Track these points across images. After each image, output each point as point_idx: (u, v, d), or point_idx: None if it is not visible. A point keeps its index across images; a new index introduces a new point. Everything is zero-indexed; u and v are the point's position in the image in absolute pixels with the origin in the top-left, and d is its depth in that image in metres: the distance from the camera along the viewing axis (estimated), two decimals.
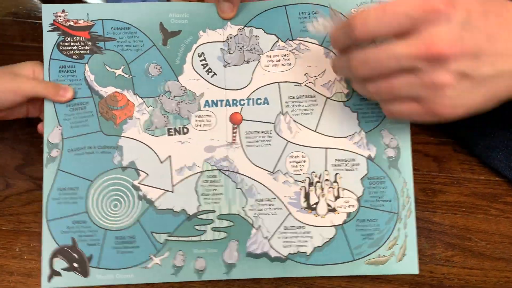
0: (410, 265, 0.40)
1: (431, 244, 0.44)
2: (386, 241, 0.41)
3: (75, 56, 0.42)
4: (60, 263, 0.41)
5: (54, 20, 0.42)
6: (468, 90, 0.31)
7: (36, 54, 0.42)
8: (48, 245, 0.41)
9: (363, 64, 0.33)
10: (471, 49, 0.30)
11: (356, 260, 0.41)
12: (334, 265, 0.41)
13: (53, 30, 0.42)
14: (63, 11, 0.42)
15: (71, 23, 0.42)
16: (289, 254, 0.41)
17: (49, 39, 0.42)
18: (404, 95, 0.33)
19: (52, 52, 0.42)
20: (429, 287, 0.42)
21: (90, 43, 0.42)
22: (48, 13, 0.42)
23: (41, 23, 0.42)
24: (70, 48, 0.42)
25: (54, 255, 0.41)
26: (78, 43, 0.42)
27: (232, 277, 0.41)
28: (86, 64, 0.42)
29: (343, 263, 0.41)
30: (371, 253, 0.41)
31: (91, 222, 0.41)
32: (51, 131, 0.42)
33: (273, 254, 0.41)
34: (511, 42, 0.31)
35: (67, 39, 0.42)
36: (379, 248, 0.41)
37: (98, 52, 0.42)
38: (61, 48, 0.42)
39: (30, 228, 0.44)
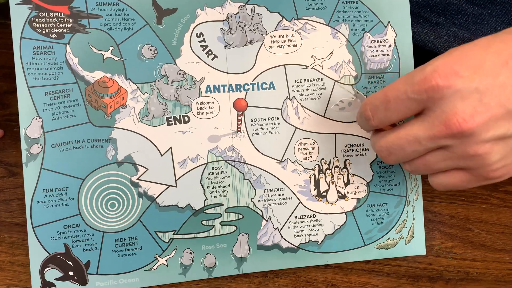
0: (418, 247, 0.41)
1: (430, 234, 0.43)
2: (395, 224, 0.41)
3: (53, 35, 0.36)
4: (52, 273, 0.36)
5: None
6: None
7: (9, 32, 0.35)
8: (36, 255, 0.36)
9: (388, 153, 0.31)
10: (495, 112, 0.28)
11: (367, 245, 0.41)
12: (345, 251, 0.41)
13: (23, 3, 0.36)
14: None
15: None
16: (301, 243, 0.40)
17: (19, 14, 0.36)
18: (445, 168, 0.31)
19: (23, 29, 0.36)
20: (428, 279, 0.42)
21: (71, 20, 0.36)
22: None
23: None
24: (46, 25, 0.36)
25: (45, 264, 0.36)
26: (56, 20, 0.36)
27: (243, 271, 0.39)
28: (67, 45, 0.36)
29: (354, 249, 0.41)
30: (381, 237, 0.41)
31: (85, 225, 0.37)
32: (29, 124, 0.36)
33: (284, 244, 0.40)
34: None
35: (41, 14, 0.36)
36: (388, 232, 0.41)
37: (81, 31, 0.36)
38: (34, 25, 0.36)
39: (0, 218, 0.40)
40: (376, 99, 0.31)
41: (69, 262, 0.36)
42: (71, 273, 0.36)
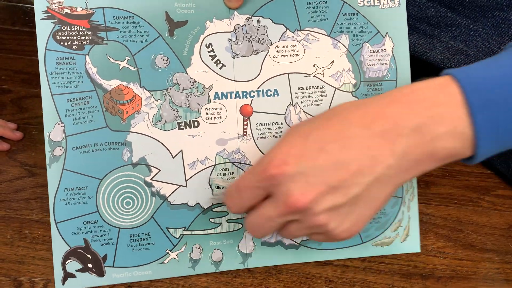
0: (413, 245, 0.44)
1: (423, 235, 0.46)
2: (391, 223, 0.43)
3: (74, 47, 0.39)
4: (73, 265, 0.39)
5: (48, 7, 0.39)
6: (350, 211, 0.34)
7: (27, 39, 0.39)
8: (59, 248, 0.39)
9: (254, 230, 0.36)
10: (320, 189, 0.32)
11: (364, 243, 0.43)
12: (344, 248, 0.43)
13: (47, 18, 0.39)
14: None
15: (68, 11, 0.39)
16: (302, 240, 0.43)
17: (44, 28, 0.39)
18: (306, 234, 0.36)
19: (47, 42, 0.39)
20: (420, 277, 0.44)
21: (90, 33, 0.39)
22: None
23: (33, 7, 0.38)
24: (68, 38, 0.39)
25: (67, 257, 0.39)
26: (77, 33, 0.39)
27: (248, 266, 0.42)
28: (87, 56, 0.39)
29: (353, 246, 0.43)
30: (377, 236, 0.43)
31: (103, 222, 0.40)
32: (52, 128, 0.39)
33: (287, 241, 0.43)
34: (350, 150, 0.33)
35: (64, 28, 0.39)
36: (385, 230, 0.43)
37: (99, 43, 0.40)
38: (57, 38, 0.39)
39: (22, 215, 0.43)
40: (231, 189, 0.36)
41: (88, 255, 0.39)
42: (90, 265, 0.40)
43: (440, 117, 0.32)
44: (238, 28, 0.41)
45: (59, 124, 0.39)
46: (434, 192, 0.48)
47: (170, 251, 0.41)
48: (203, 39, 0.41)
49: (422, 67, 0.47)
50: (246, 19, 0.41)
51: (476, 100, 0.32)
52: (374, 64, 0.43)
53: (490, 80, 0.32)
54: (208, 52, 0.41)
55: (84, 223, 0.40)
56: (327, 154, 0.33)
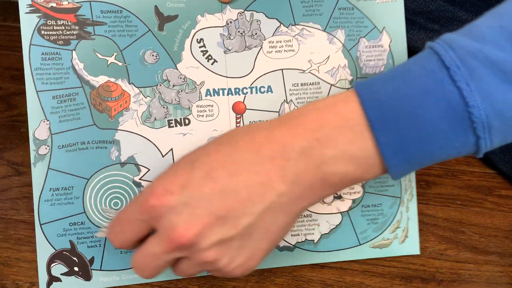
0: (412, 247, 0.42)
1: (424, 237, 0.44)
2: (389, 224, 0.42)
3: (60, 42, 0.38)
4: (59, 268, 0.38)
5: (32, 1, 0.37)
6: (243, 245, 0.31)
7: (18, 35, 0.37)
8: (43, 251, 0.38)
9: (140, 270, 0.33)
10: (207, 221, 0.30)
11: (362, 244, 0.42)
12: (340, 250, 0.42)
13: (32, 12, 0.37)
14: None
15: (53, 4, 0.38)
16: (297, 242, 0.41)
17: (28, 22, 0.37)
18: (199, 271, 0.33)
19: (32, 36, 0.37)
20: (420, 280, 0.42)
21: (77, 28, 0.38)
22: None
23: None
24: (54, 32, 0.38)
25: (52, 260, 0.38)
26: (63, 27, 0.38)
27: None
28: (73, 51, 0.38)
29: (349, 248, 0.42)
30: (375, 237, 0.42)
31: (90, 223, 0.38)
32: (37, 126, 0.38)
33: (281, 243, 0.41)
34: (238, 177, 0.30)
35: (49, 22, 0.38)
36: (383, 232, 0.42)
37: (86, 38, 0.38)
38: (42, 32, 0.38)
39: (7, 215, 0.41)
40: (113, 223, 0.34)
41: (74, 258, 0.38)
42: (76, 269, 0.38)
43: (328, 139, 0.30)
44: (231, 22, 0.40)
45: (44, 121, 0.38)
46: (435, 192, 0.47)
47: None
48: (194, 34, 0.40)
49: None
50: (238, 13, 0.40)
51: (375, 116, 0.29)
52: (371, 60, 0.41)
53: (389, 94, 0.29)
54: (200, 47, 0.40)
55: (70, 224, 0.38)
56: (213, 182, 0.30)
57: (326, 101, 0.32)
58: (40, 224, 0.38)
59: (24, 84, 0.37)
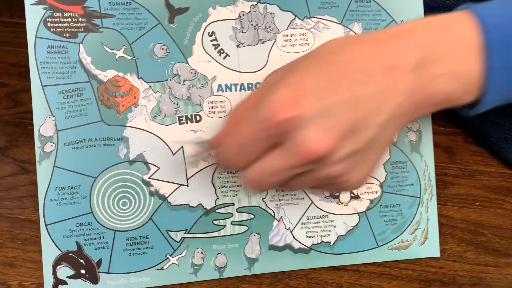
0: (432, 249, 0.41)
1: (442, 239, 0.42)
2: (408, 225, 0.40)
3: (67, 35, 0.36)
4: (65, 271, 0.36)
5: None
6: (364, 159, 0.30)
7: (25, 31, 0.36)
8: (49, 252, 0.36)
9: (254, 186, 0.31)
10: (340, 131, 0.28)
11: (380, 246, 0.40)
12: (358, 253, 0.40)
13: (38, 3, 0.36)
14: None
15: None
16: (313, 244, 0.40)
17: (34, 14, 0.36)
18: (313, 186, 0.32)
19: (37, 29, 0.36)
20: (440, 284, 0.41)
21: (84, 20, 0.37)
22: None
23: None
24: (60, 25, 0.36)
25: (57, 262, 0.36)
26: (70, 20, 0.36)
27: (255, 271, 0.39)
28: (80, 44, 0.37)
29: (367, 250, 0.40)
30: (394, 239, 0.40)
31: (97, 224, 0.37)
32: (42, 122, 0.36)
33: (296, 245, 0.39)
34: (362, 86, 0.29)
35: (55, 14, 0.36)
36: (402, 233, 0.40)
37: (94, 31, 0.37)
38: (48, 24, 0.36)
39: (13, 215, 0.40)
40: (228, 145, 0.31)
41: (81, 260, 0.36)
42: (82, 271, 0.36)
43: (440, 57, 0.29)
44: (243, 15, 0.39)
45: (50, 117, 0.36)
46: (453, 193, 0.45)
47: (170, 255, 0.38)
48: (206, 27, 0.38)
49: None
50: (251, 5, 0.39)
51: (494, 38, 0.29)
52: None
53: (508, 18, 0.29)
54: (211, 41, 0.38)
55: (77, 225, 0.37)
56: (339, 91, 0.28)
57: (437, 18, 0.31)
58: (46, 225, 0.36)
59: (30, 81, 0.36)
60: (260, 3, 0.39)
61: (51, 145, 0.36)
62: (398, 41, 0.30)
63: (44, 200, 0.36)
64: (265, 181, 0.31)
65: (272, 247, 0.39)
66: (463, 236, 0.43)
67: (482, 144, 0.46)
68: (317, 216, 0.40)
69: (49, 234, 0.36)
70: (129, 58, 0.37)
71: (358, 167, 0.30)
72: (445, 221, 0.44)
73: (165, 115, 0.38)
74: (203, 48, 0.38)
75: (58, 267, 0.36)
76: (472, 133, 0.46)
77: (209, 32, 0.38)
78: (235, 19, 0.39)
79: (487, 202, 0.45)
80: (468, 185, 0.46)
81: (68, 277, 0.36)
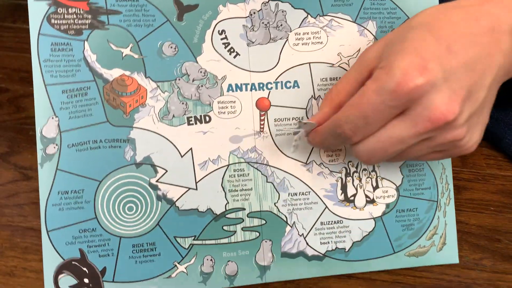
0: (450, 255, 0.39)
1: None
2: (426, 231, 0.39)
3: (71, 32, 0.35)
4: (67, 280, 0.34)
5: None
6: (479, 120, 0.31)
7: (27, 37, 0.35)
8: (50, 260, 0.34)
9: (369, 157, 0.31)
10: (462, 95, 0.29)
11: (396, 252, 0.38)
12: (374, 259, 0.38)
13: None
14: None
15: None
16: (327, 251, 0.38)
17: (37, 10, 0.34)
18: (422, 155, 0.32)
19: (41, 25, 0.34)
20: None
21: (89, 16, 0.35)
22: None
23: None
24: (65, 21, 0.35)
25: (59, 271, 0.34)
26: (75, 16, 0.35)
27: (267, 280, 0.37)
28: (85, 42, 0.35)
29: (383, 256, 0.38)
30: (411, 244, 0.39)
31: (102, 230, 0.35)
32: (45, 123, 0.35)
33: (310, 252, 0.38)
34: (473, 48, 0.29)
35: (60, 10, 0.35)
36: (419, 238, 0.39)
37: (100, 28, 0.35)
38: (52, 21, 0.35)
39: (14, 222, 0.39)
40: (352, 117, 0.30)
41: (84, 269, 0.34)
42: (86, 280, 0.34)
43: None
44: (254, 13, 0.37)
45: (53, 118, 0.35)
46: (466, 197, 0.44)
47: (178, 263, 0.36)
48: (215, 25, 0.37)
49: None
50: (262, 3, 0.37)
51: None
52: None
53: None
54: (221, 39, 0.37)
55: (80, 231, 0.35)
56: (458, 54, 0.29)
57: None
58: (47, 231, 0.34)
59: (33, 86, 0.35)
60: (272, 0, 0.38)
61: (54, 147, 0.34)
62: (492, 5, 0.30)
63: (46, 205, 0.34)
64: (386, 152, 0.30)
65: (285, 254, 0.37)
66: (479, 242, 0.42)
67: (497, 146, 0.45)
68: (332, 221, 0.38)
69: (50, 241, 0.34)
70: (136, 56, 0.36)
71: (474, 128, 0.31)
72: (460, 227, 0.42)
73: (173, 116, 0.36)
74: (213, 46, 0.37)
75: (60, 276, 0.34)
76: (486, 135, 0.45)
77: (219, 31, 0.37)
78: (246, 17, 0.37)
79: (502, 207, 0.43)
80: (482, 189, 0.44)
81: (70, 286, 0.34)
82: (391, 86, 0.28)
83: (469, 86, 0.29)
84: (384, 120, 0.30)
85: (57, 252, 0.34)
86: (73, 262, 0.34)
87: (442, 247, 0.39)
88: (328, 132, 0.32)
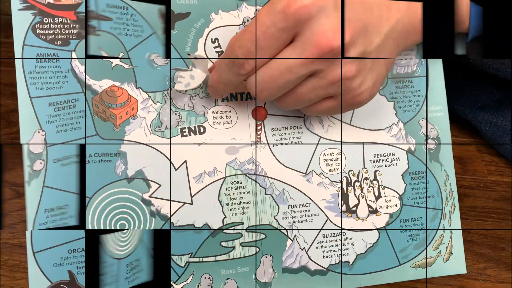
0: (457, 265, 0.38)
1: None
2: (431, 240, 0.37)
3: (58, 42, 0.33)
4: None
5: None
6: (373, 67, 0.31)
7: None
8: (37, 284, 0.32)
9: (261, 88, 0.31)
10: (356, 27, 0.29)
11: (402, 264, 0.37)
12: (379, 272, 0.37)
13: (26, 8, 0.33)
14: None
15: (51, 0, 0.33)
16: (330, 265, 0.36)
17: (21, 20, 0.33)
18: (316, 99, 0.32)
19: (25, 36, 0.33)
20: None
21: (77, 26, 0.34)
22: None
23: None
24: (51, 31, 0.33)
25: None
26: (62, 26, 0.34)
27: None
28: (73, 52, 0.34)
29: (388, 269, 0.37)
30: (417, 255, 0.37)
31: None
32: (30, 138, 0.33)
33: (312, 267, 0.36)
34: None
35: (45, 20, 0.33)
36: (424, 249, 0.37)
37: (91, 33, 0.34)
38: (38, 31, 0.33)
39: (2, 239, 0.38)
40: (244, 41, 0.30)
41: None
42: None
43: None
44: (248, 21, 0.36)
45: (39, 132, 0.33)
46: (468, 205, 0.43)
47: (175, 283, 0.34)
48: (208, 33, 0.36)
49: (456, 62, 0.43)
50: (256, 11, 0.36)
51: None
52: (402, 59, 0.38)
53: None
54: (214, 47, 0.36)
55: (69, 251, 0.33)
56: None
57: None
58: (33, 253, 0.32)
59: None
60: None
61: (41, 163, 0.33)
62: None
63: (33, 225, 0.32)
64: (272, 81, 0.30)
65: (286, 270, 0.36)
66: (482, 251, 0.41)
67: (497, 153, 0.44)
68: (334, 233, 0.36)
69: (37, 263, 0.32)
70: (126, 66, 0.34)
71: (367, 73, 0.31)
72: (462, 235, 0.41)
73: (166, 127, 0.35)
74: (206, 55, 0.36)
75: None
76: (485, 142, 0.44)
77: (212, 39, 0.36)
78: (239, 25, 0.36)
79: (505, 214, 0.43)
80: (483, 196, 0.43)
81: None
82: (280, 6, 0.28)
83: (365, 22, 0.29)
84: (276, 47, 0.29)
85: (44, 275, 0.32)
86: (61, 286, 0.32)
87: (448, 257, 0.38)
88: (224, 62, 0.31)
